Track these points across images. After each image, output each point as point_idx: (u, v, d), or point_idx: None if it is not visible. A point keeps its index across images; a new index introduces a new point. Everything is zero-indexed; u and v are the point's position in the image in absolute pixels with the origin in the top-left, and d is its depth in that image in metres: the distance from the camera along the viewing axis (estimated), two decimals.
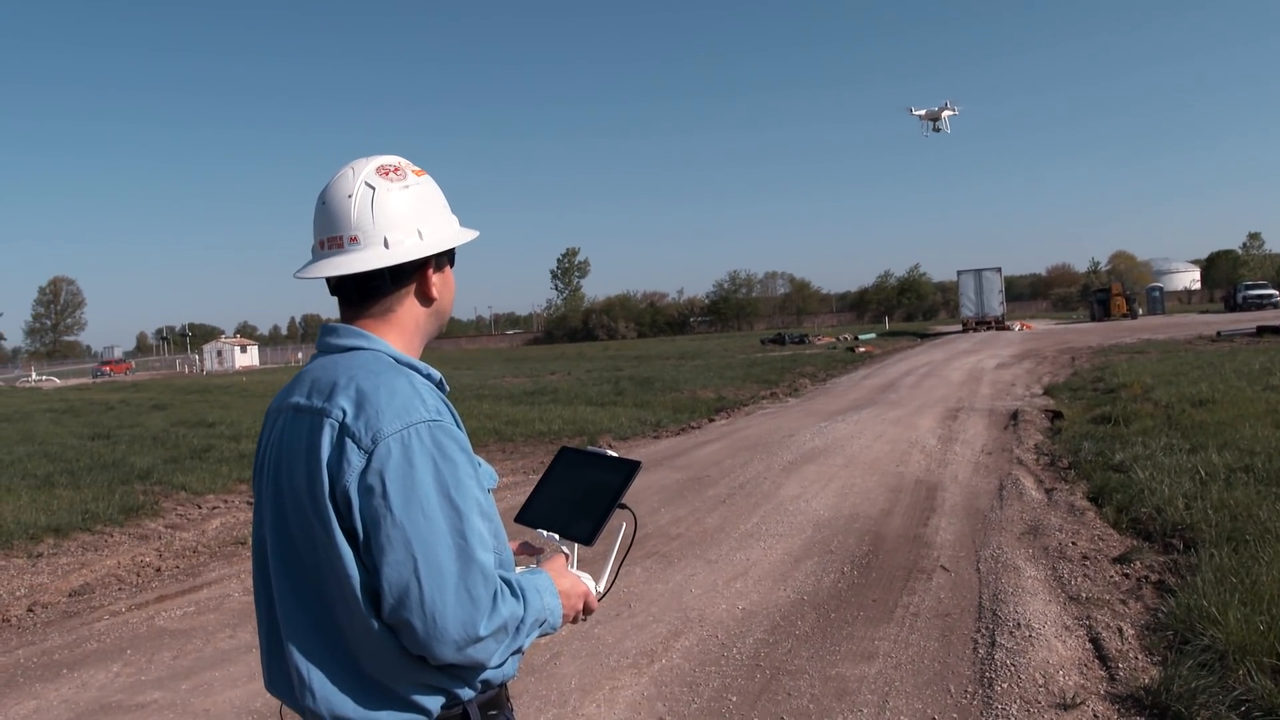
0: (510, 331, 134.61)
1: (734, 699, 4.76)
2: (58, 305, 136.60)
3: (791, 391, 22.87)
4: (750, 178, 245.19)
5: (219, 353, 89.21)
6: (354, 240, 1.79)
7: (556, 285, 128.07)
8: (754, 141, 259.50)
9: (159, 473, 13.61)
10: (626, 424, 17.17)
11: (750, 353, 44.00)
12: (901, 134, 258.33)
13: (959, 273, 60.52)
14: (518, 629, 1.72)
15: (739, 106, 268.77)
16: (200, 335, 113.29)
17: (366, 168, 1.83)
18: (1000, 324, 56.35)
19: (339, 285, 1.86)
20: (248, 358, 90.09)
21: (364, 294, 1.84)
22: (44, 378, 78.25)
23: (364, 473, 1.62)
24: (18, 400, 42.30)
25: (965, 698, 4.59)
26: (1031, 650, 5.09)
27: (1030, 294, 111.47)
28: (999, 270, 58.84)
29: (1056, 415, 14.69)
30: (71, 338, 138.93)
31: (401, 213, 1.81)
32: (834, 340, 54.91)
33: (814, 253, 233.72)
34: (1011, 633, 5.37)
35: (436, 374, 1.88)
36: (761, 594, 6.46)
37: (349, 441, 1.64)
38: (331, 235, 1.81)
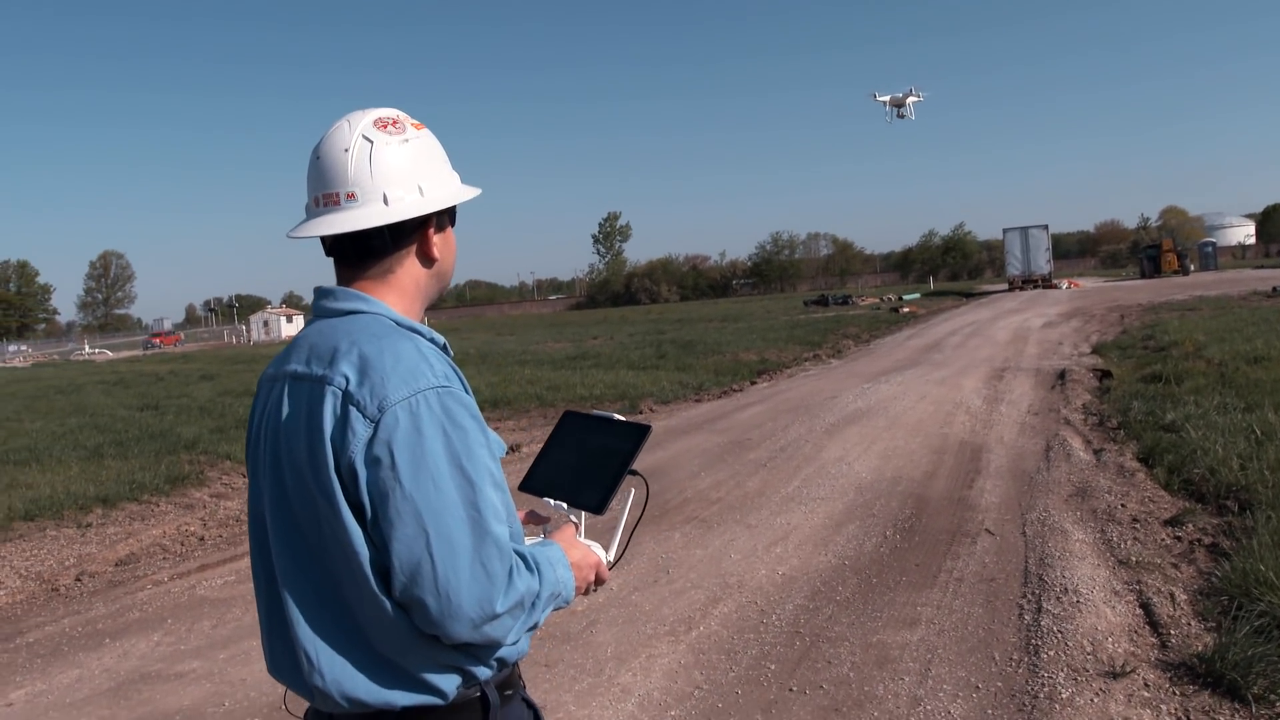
0: (553, 297, 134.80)
1: (772, 667, 4.68)
2: (108, 279, 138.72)
3: (834, 353, 22.66)
4: (792, 139, 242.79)
5: (265, 323, 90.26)
6: (351, 197, 1.70)
7: (598, 250, 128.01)
8: (796, 102, 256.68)
9: (205, 442, 13.77)
10: (668, 388, 17.08)
11: (793, 314, 43.72)
12: (946, 92, 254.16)
13: (1005, 231, 59.67)
14: (533, 604, 1.64)
15: (782, 68, 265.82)
16: (247, 306, 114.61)
17: (363, 120, 1.74)
18: (1047, 282, 55.51)
19: (335, 245, 1.76)
20: (293, 327, 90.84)
21: (362, 254, 1.75)
22: (97, 350, 79.71)
23: (370, 443, 1.54)
24: (71, 373, 43.09)
25: (1010, 665, 4.48)
26: (1079, 616, 4.96)
27: (1078, 251, 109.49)
28: (1046, 228, 57.93)
29: (1105, 374, 14.41)
30: (122, 311, 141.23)
31: (401, 168, 1.72)
32: (878, 301, 54.39)
33: (857, 213, 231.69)
34: (1058, 598, 5.23)
35: (440, 338, 1.78)
36: (802, 559, 6.37)
37: (353, 410, 1.55)
38: (327, 192, 1.72)
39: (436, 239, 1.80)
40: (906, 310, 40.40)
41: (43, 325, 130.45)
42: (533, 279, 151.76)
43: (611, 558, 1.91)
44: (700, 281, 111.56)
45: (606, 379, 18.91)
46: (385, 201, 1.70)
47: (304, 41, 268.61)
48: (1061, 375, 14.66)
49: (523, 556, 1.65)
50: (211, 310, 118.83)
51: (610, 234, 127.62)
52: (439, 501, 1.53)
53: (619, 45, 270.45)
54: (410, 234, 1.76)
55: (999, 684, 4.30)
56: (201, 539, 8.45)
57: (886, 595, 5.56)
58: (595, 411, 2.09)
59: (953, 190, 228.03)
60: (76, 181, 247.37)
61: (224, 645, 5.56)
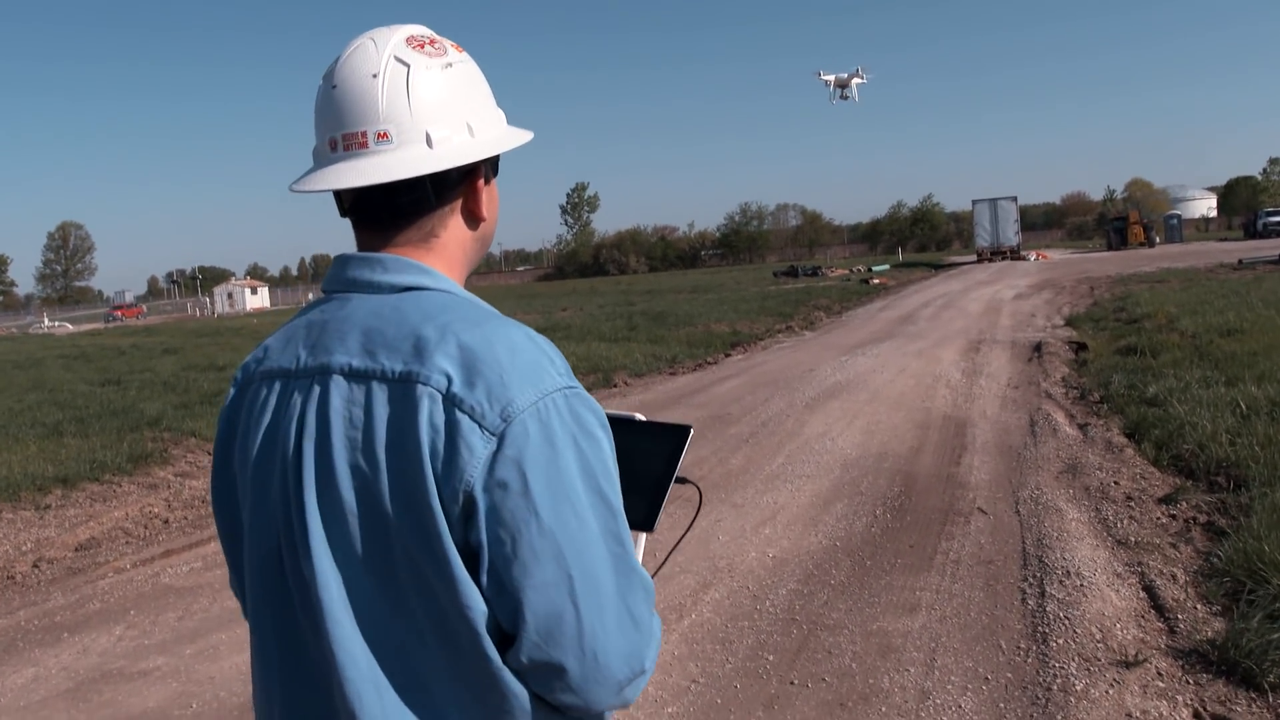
0: (520, 268, 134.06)
1: (771, 658, 4.49)
2: (67, 251, 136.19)
3: (807, 325, 22.52)
4: (760, 109, 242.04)
5: (229, 295, 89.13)
6: (383, 137, 1.29)
7: (566, 220, 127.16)
8: (763, 71, 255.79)
9: (169, 419, 13.37)
10: (642, 360, 16.86)
11: (763, 285, 43.53)
12: (912, 62, 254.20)
13: (974, 202, 59.80)
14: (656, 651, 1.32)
15: (748, 35, 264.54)
16: (211, 278, 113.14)
17: (393, 38, 1.33)
18: (1016, 254, 55.69)
19: (360, 202, 1.36)
20: (258, 299, 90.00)
21: (397, 213, 1.35)
22: (56, 324, 78.25)
23: (493, 463, 1.16)
24: (30, 347, 42.21)
25: (1019, 655, 4.30)
26: (1084, 601, 4.80)
27: (1045, 223, 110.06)
28: (1014, 199, 58.08)
29: (1081, 347, 14.34)
30: (82, 283, 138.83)
31: (446, 100, 1.33)
32: (847, 272, 54.32)
33: (826, 184, 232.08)
34: (1061, 581, 5.07)
35: None
36: (792, 540, 6.19)
37: (464, 420, 1.17)
38: (349, 131, 1.30)
39: (484, 193, 1.42)
40: (876, 282, 40.35)
41: (0, 297, 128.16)
42: (500, 250, 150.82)
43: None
44: (669, 252, 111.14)
45: (579, 351, 18.64)
46: (429, 143, 1.31)
47: (261, 6, 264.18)
48: (1038, 348, 14.57)
49: None
50: (174, 282, 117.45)
51: (578, 204, 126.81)
52: (582, 536, 1.19)
53: (587, 14, 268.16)
54: (455, 186, 1.37)
55: (1009, 675, 4.13)
56: (166, 521, 8.15)
57: (883, 579, 5.39)
58: (613, 412, 1.82)
59: (921, 161, 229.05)
60: (34, 151, 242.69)
61: (190, 639, 5.29)
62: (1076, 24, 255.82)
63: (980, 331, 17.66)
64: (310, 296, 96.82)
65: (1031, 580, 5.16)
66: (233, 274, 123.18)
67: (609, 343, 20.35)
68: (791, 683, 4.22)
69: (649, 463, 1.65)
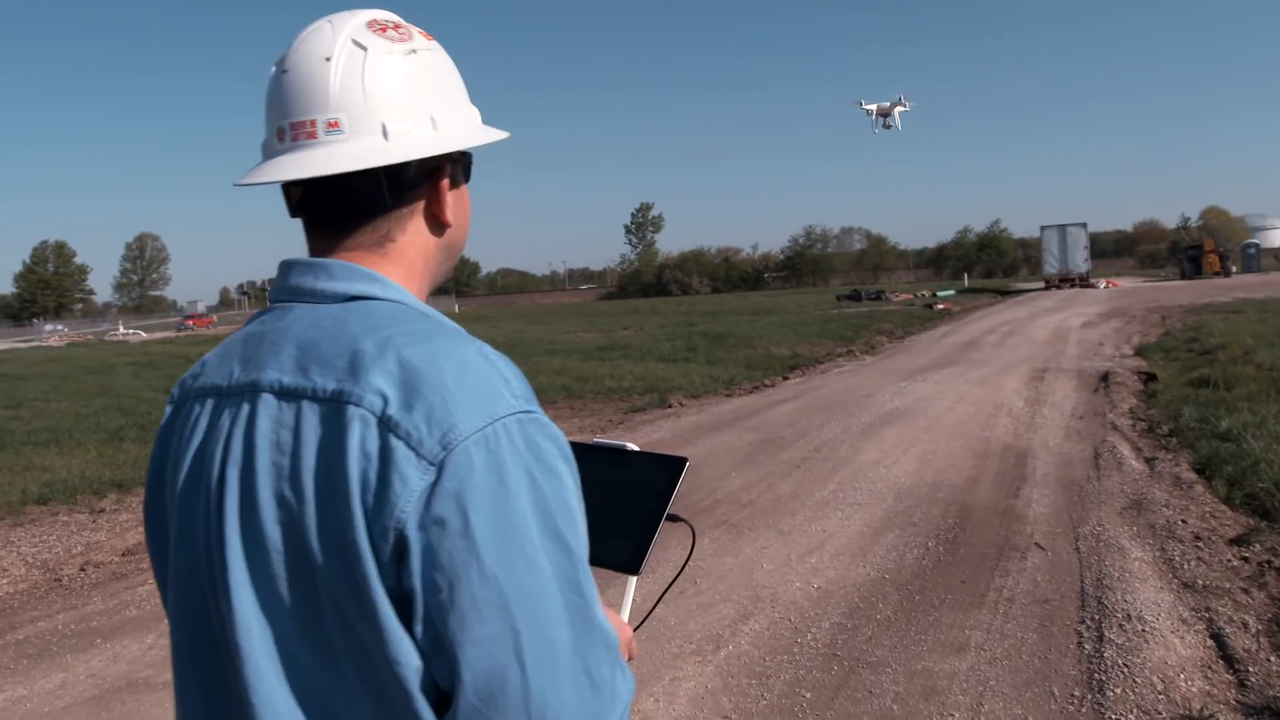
0: (584, 286, 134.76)
1: (808, 695, 4.29)
2: (143, 261, 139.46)
3: (868, 349, 22.17)
4: (826, 132, 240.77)
5: None
6: (334, 126, 1.16)
7: (630, 240, 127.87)
8: (830, 95, 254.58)
9: None
10: (698, 381, 16.70)
11: (826, 309, 43.16)
12: (983, 88, 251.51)
13: (1042, 228, 58.94)
14: (625, 714, 1.12)
15: (816, 61, 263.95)
16: None
17: (352, 21, 1.20)
18: (1085, 281, 54.66)
19: (308, 199, 1.22)
20: None
21: (348, 212, 1.20)
22: (130, 331, 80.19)
23: (430, 497, 1.00)
24: (103, 353, 43.22)
25: (1072, 704, 4.06)
26: (1146, 648, 4.53)
27: (1116, 251, 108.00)
28: (1084, 226, 57.13)
29: (1150, 377, 13.88)
30: (157, 293, 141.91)
31: (407, 89, 1.19)
32: (911, 297, 53.70)
33: (891, 208, 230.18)
34: (1121, 626, 4.80)
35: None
36: (838, 570, 5.97)
37: (398, 446, 1.01)
38: (297, 120, 1.17)
39: (450, 196, 1.26)
40: (941, 307, 39.76)
41: (79, 305, 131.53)
42: (564, 268, 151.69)
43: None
44: (732, 274, 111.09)
45: (636, 370, 18.55)
46: (385, 134, 1.17)
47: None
48: (1105, 377, 14.14)
49: None
50: (245, 293, 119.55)
51: (642, 224, 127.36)
52: (533, 584, 1.02)
53: (654, 38, 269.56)
54: (416, 186, 1.22)
55: None
56: None
57: (931, 615, 5.16)
58: (600, 440, 1.66)
59: (989, 187, 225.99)
60: (114, 164, 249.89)
61: None
62: (1152, 57, 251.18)
63: (1045, 359, 17.22)
64: None
65: (1089, 623, 4.90)
66: None
67: (667, 363, 20.24)
68: None
69: (640, 498, 1.49)
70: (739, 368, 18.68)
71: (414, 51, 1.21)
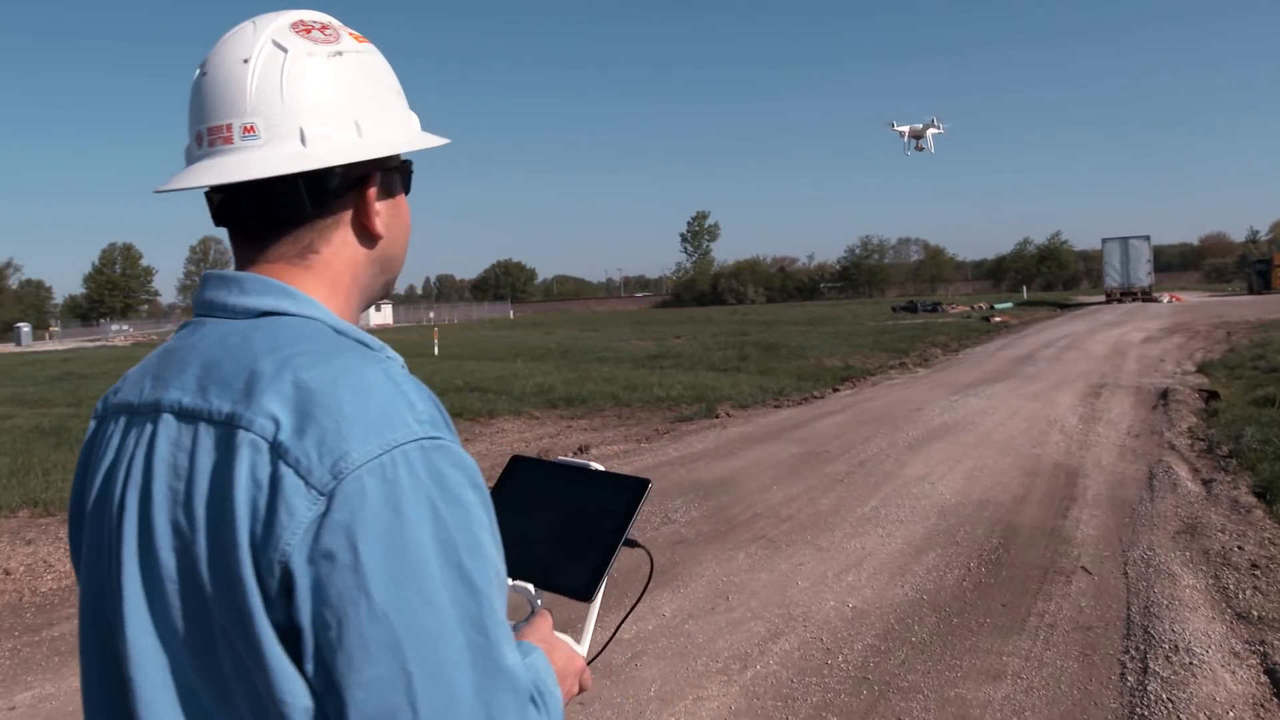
0: (639, 294, 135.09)
1: (834, 719, 4.15)
2: (207, 263, 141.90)
3: (922, 361, 21.84)
4: (884, 141, 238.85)
5: None
6: (249, 131, 1.10)
7: (686, 249, 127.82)
8: (888, 106, 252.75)
9: None
10: (748, 391, 16.54)
11: (881, 320, 42.68)
12: (1047, 100, 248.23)
13: (1104, 241, 57.85)
14: None
15: (877, 71, 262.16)
16: None
17: (276, 21, 1.14)
18: (1147, 295, 53.50)
19: (227, 208, 1.15)
20: (382, 316, 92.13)
21: (266, 222, 1.14)
22: None
23: (318, 530, 0.94)
24: None
25: None
26: (1193, 682, 4.32)
27: (1180, 264, 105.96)
28: (1147, 239, 55.93)
29: (1212, 395, 13.48)
30: None
31: (329, 93, 1.13)
32: (968, 309, 52.95)
33: (949, 219, 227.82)
34: (1168, 658, 4.59)
35: (399, 356, 1.15)
36: (875, 590, 5.81)
37: (288, 475, 0.95)
38: (215, 124, 1.12)
39: (381, 206, 1.19)
40: (998, 320, 39.13)
41: (145, 306, 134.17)
42: (620, 276, 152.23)
43: (584, 653, 1.39)
44: (787, 283, 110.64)
45: (685, 379, 18.43)
46: (302, 140, 1.11)
47: (398, 25, 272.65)
48: (1164, 394, 13.76)
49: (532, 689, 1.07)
50: None
51: (698, 233, 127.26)
52: (430, 623, 0.94)
53: (712, 47, 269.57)
54: (341, 195, 1.15)
55: None
56: None
57: (968, 639, 4.98)
58: (564, 459, 1.56)
59: (1050, 199, 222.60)
60: (177, 165, 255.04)
61: None
62: (1217, 70, 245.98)
63: (1103, 375, 16.82)
64: (431, 314, 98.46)
65: (1134, 653, 4.69)
66: None
67: (717, 372, 20.11)
68: None
69: (599, 521, 1.39)
70: (789, 378, 18.49)
71: (340, 54, 1.15)
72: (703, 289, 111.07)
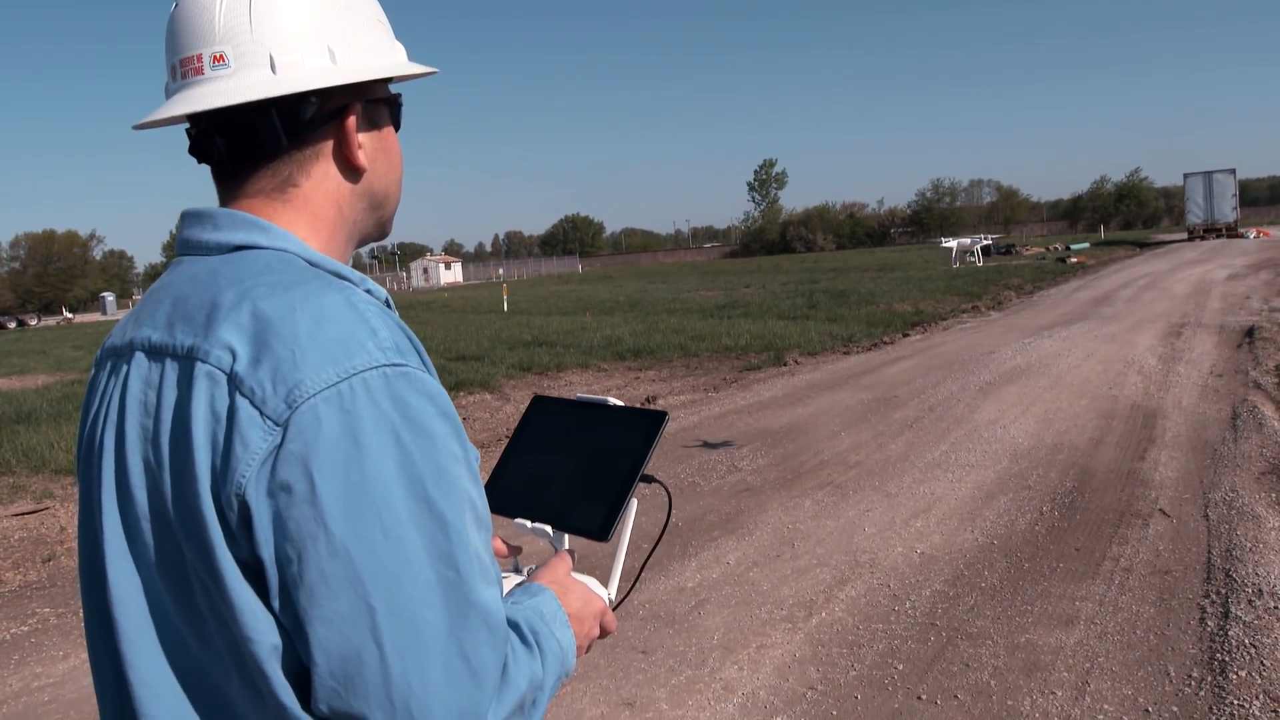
0: (708, 245, 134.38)
1: (900, 667, 4.08)
2: None
3: (995, 305, 21.38)
4: (955, 79, 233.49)
5: (425, 270, 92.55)
6: (219, 60, 1.07)
7: (754, 198, 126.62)
8: (958, 50, 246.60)
9: None
10: (816, 339, 16.36)
11: (953, 264, 41.90)
12: (1119, 19, 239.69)
13: (1186, 176, 55.90)
14: (535, 701, 1.03)
15: (945, 16, 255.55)
16: (409, 253, 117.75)
17: None
18: (1232, 231, 51.74)
19: (201, 141, 1.12)
20: (452, 274, 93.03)
21: (241, 155, 1.10)
22: None
23: (274, 461, 0.91)
24: None
25: (1189, 685, 3.74)
26: (1278, 627, 4.16)
27: (1269, 199, 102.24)
28: (1233, 172, 53.95)
29: None
30: None
31: (300, 18, 1.09)
32: (1043, 250, 51.68)
33: (1023, 158, 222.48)
34: (1250, 602, 4.43)
35: (381, 291, 1.13)
36: (944, 535, 5.70)
37: (244, 405, 0.93)
38: (186, 55, 1.09)
39: (364, 139, 1.15)
40: (1074, 260, 38.13)
41: None
42: (688, 226, 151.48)
43: (613, 596, 1.32)
44: (857, 230, 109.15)
45: (753, 329, 18.28)
46: (272, 67, 1.07)
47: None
48: (1250, 332, 13.28)
49: (517, 628, 1.06)
50: (375, 258, 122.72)
51: (766, 181, 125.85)
52: (393, 557, 0.91)
53: None
54: (318, 125, 1.11)
55: (1174, 709, 3.58)
56: None
57: (1040, 585, 4.86)
58: (584, 396, 1.51)
59: (1128, 133, 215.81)
60: None
61: None
62: None
63: (1184, 314, 16.29)
64: (500, 270, 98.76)
65: (1214, 597, 4.53)
66: (430, 249, 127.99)
67: (786, 320, 19.91)
68: (919, 698, 3.80)
69: (613, 456, 1.34)
70: (859, 325, 18.23)
71: None
72: (771, 238, 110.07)
